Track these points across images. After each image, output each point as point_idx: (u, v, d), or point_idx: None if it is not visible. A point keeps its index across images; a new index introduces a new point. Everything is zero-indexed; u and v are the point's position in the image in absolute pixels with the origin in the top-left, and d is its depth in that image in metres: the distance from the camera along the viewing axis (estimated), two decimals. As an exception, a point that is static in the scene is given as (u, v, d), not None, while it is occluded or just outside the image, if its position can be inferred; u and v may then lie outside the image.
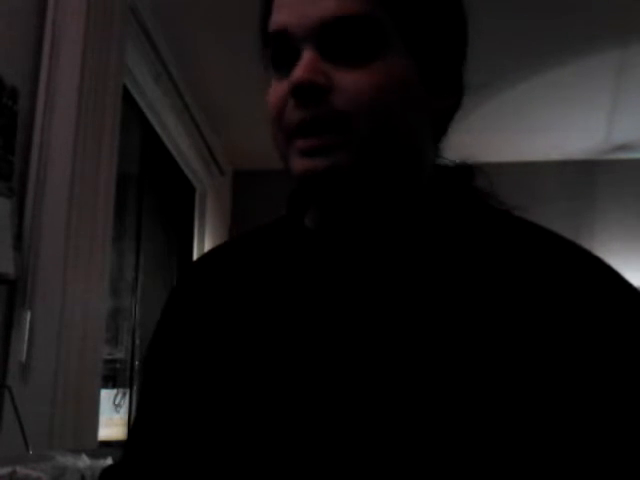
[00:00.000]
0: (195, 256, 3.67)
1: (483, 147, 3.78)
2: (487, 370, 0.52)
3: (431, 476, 0.51)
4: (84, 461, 1.10)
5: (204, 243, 3.73)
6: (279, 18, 0.59)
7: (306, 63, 0.56)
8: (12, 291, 1.60)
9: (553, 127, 3.62)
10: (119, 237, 2.73)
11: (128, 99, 2.61)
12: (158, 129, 3.09)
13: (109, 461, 1.10)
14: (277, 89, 0.60)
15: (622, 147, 3.82)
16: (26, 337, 1.58)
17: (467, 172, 0.66)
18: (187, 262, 3.63)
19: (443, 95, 0.63)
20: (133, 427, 0.69)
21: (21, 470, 1.01)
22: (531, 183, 3.74)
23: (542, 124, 3.57)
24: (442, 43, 0.62)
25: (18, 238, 1.59)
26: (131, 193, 2.94)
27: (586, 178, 3.91)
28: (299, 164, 0.58)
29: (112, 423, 2.62)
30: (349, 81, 0.56)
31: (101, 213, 1.85)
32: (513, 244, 0.59)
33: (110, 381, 2.73)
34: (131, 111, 2.77)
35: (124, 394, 2.80)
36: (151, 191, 3.14)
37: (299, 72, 0.56)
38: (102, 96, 1.87)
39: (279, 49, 0.60)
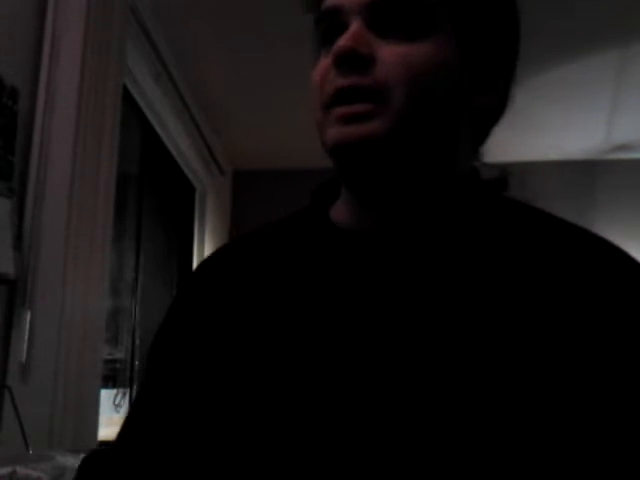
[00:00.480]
0: (195, 256, 3.67)
1: (483, 147, 3.78)
2: (526, 371, 0.52)
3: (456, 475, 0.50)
4: (84, 461, 1.10)
5: (204, 243, 3.73)
6: None
7: (351, 32, 0.57)
8: (12, 291, 1.60)
9: (553, 127, 3.62)
10: (119, 237, 2.73)
11: (128, 99, 2.61)
12: (158, 129, 3.09)
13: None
14: (323, 62, 0.60)
15: (622, 147, 3.82)
16: (26, 337, 1.58)
17: (502, 178, 0.66)
18: (187, 262, 3.63)
19: (486, 92, 0.62)
20: (128, 418, 0.67)
21: (21, 470, 1.01)
22: (531, 183, 3.73)
23: (542, 124, 3.57)
24: (491, 38, 0.62)
25: (18, 238, 1.59)
26: (131, 193, 2.94)
27: (586, 178, 3.91)
28: (333, 132, 0.58)
29: (112, 423, 2.62)
30: (392, 54, 0.57)
31: (101, 213, 1.85)
32: (552, 244, 0.58)
33: (110, 381, 2.73)
34: (131, 111, 2.77)
35: (124, 394, 2.80)
36: (151, 191, 3.14)
37: (342, 41, 0.57)
38: (102, 96, 1.87)
39: (330, 25, 0.60)
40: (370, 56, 0.57)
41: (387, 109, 0.56)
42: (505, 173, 0.67)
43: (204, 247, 3.71)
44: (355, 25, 0.57)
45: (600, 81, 3.14)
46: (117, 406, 2.73)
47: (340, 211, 0.65)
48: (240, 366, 0.59)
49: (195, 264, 3.66)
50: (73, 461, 1.09)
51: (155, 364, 0.67)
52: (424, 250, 0.59)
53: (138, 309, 2.91)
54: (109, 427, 2.48)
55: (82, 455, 1.10)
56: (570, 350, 0.52)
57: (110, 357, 2.67)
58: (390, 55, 0.57)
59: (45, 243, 1.64)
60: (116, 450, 0.65)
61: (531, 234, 0.59)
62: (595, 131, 3.65)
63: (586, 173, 3.92)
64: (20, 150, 1.63)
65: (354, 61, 0.56)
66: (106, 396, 2.57)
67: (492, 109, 0.65)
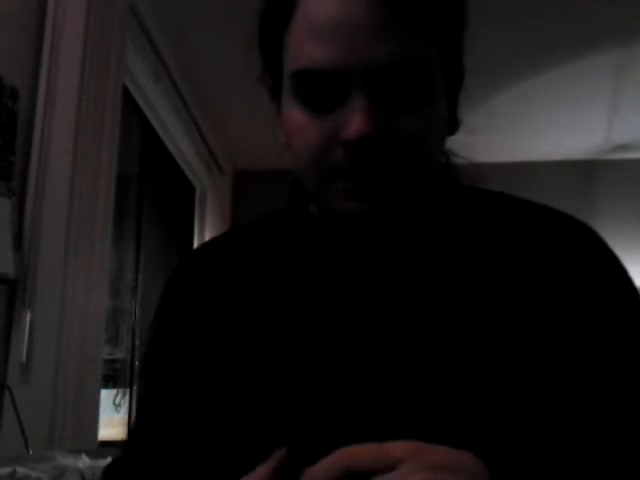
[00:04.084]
0: (195, 256, 3.66)
1: (483, 147, 3.78)
2: (494, 333, 0.55)
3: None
4: (84, 461, 1.10)
5: (204, 243, 3.72)
6: (324, 55, 0.54)
7: (367, 114, 0.53)
8: (12, 291, 1.60)
9: (553, 127, 3.62)
10: (119, 237, 2.73)
11: (128, 99, 2.61)
12: (158, 129, 3.09)
13: (109, 461, 1.10)
14: (315, 129, 0.56)
15: (622, 147, 3.82)
16: (26, 337, 1.58)
17: (450, 164, 0.67)
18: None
19: (456, 114, 0.64)
20: (135, 424, 0.68)
21: (21, 470, 1.01)
22: (531, 183, 3.73)
23: (542, 124, 3.57)
24: (463, 74, 0.63)
25: (18, 238, 1.59)
26: (131, 193, 2.94)
27: (586, 178, 3.91)
28: (346, 206, 0.56)
29: (112, 423, 2.62)
30: (404, 129, 0.54)
31: (101, 213, 1.85)
32: (511, 221, 0.62)
33: (110, 381, 2.73)
34: (131, 111, 2.77)
35: (124, 394, 2.80)
36: (151, 191, 3.14)
37: (362, 126, 0.53)
38: (102, 96, 1.87)
39: (317, 87, 0.55)
40: (387, 137, 0.54)
41: (401, 183, 0.57)
42: (460, 161, 0.68)
43: (204, 247, 3.70)
44: (364, 102, 0.53)
45: (600, 81, 3.14)
46: (117, 406, 2.73)
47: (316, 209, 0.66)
48: (236, 363, 0.60)
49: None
50: (73, 461, 1.09)
51: (154, 372, 0.68)
52: (396, 239, 0.61)
53: (138, 309, 2.91)
54: (109, 427, 2.48)
55: (82, 455, 1.10)
56: (533, 314, 0.56)
57: (110, 357, 2.67)
58: (403, 131, 0.54)
59: (45, 243, 1.64)
60: (132, 461, 0.66)
61: (496, 217, 0.62)
62: (595, 131, 3.65)
63: (586, 173, 3.92)
64: (20, 150, 1.63)
65: (375, 145, 0.54)
66: (106, 396, 2.57)
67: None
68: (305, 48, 0.55)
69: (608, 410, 0.54)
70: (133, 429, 0.68)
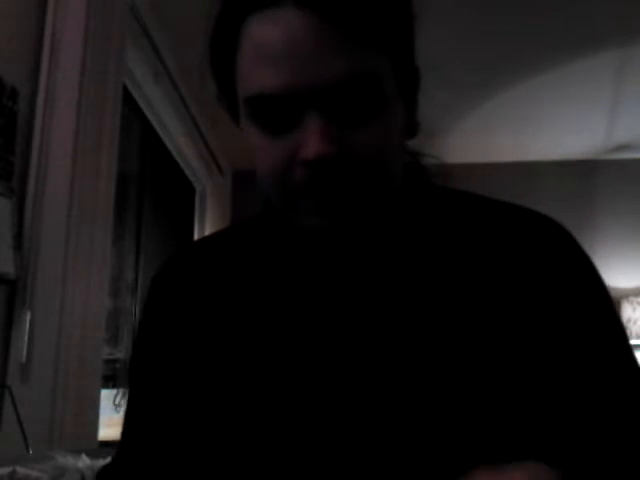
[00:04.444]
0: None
1: (483, 148, 3.78)
2: (471, 340, 0.57)
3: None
4: (84, 461, 1.10)
5: (204, 243, 3.72)
6: (274, 79, 0.54)
7: (321, 134, 0.53)
8: (12, 291, 1.60)
9: (553, 127, 3.62)
10: (119, 237, 2.73)
11: (128, 99, 2.61)
12: (158, 129, 3.09)
13: (108, 461, 1.10)
14: (275, 150, 0.57)
15: (622, 147, 3.82)
16: (26, 337, 1.58)
17: (419, 164, 0.68)
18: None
19: (414, 116, 0.64)
20: (126, 427, 0.68)
21: (21, 470, 1.01)
22: (531, 183, 3.74)
23: (542, 124, 3.57)
24: (417, 75, 0.63)
25: (18, 238, 1.59)
26: (131, 193, 2.94)
27: (586, 178, 3.91)
28: (312, 222, 0.58)
29: (112, 423, 2.62)
30: (361, 142, 0.55)
31: (101, 213, 1.85)
32: (480, 221, 0.63)
33: (110, 381, 2.73)
34: (131, 111, 2.77)
35: (124, 394, 2.80)
36: (151, 191, 3.14)
37: (318, 146, 0.53)
38: (102, 96, 1.87)
39: (272, 110, 0.56)
40: (344, 153, 0.54)
41: (365, 197, 0.57)
42: (422, 158, 0.68)
43: (204, 247, 3.69)
44: (318, 122, 0.54)
45: (600, 81, 3.14)
46: (117, 406, 2.73)
47: None
48: (226, 368, 0.61)
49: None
50: (73, 461, 1.09)
51: (142, 374, 0.68)
52: (374, 245, 0.62)
53: (138, 309, 2.91)
54: (109, 427, 2.48)
55: (82, 455, 1.10)
56: (506, 314, 0.58)
57: (110, 357, 2.67)
58: (359, 145, 0.55)
59: (45, 243, 1.64)
60: (125, 465, 0.66)
61: (464, 217, 0.63)
62: (595, 131, 3.65)
63: (586, 173, 3.92)
64: (20, 150, 1.63)
65: (333, 164, 0.54)
66: (106, 396, 2.57)
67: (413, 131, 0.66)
68: (254, 73, 0.56)
69: (584, 405, 0.55)
70: (124, 432, 0.68)
